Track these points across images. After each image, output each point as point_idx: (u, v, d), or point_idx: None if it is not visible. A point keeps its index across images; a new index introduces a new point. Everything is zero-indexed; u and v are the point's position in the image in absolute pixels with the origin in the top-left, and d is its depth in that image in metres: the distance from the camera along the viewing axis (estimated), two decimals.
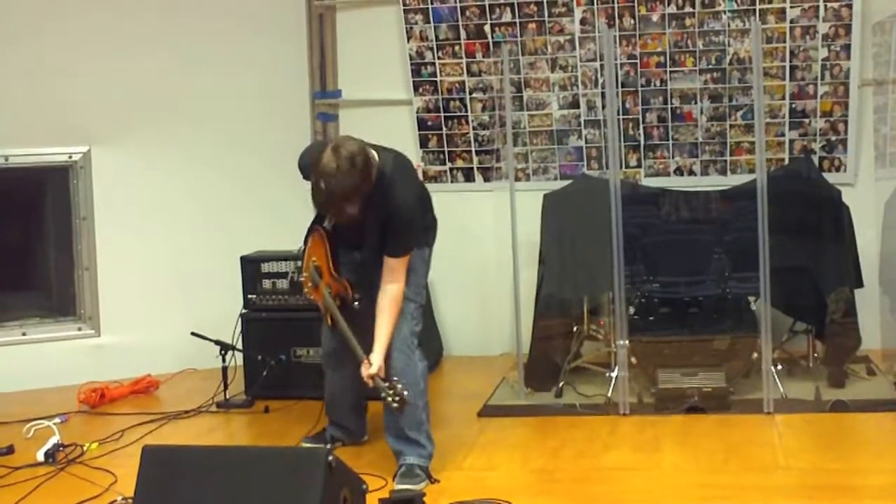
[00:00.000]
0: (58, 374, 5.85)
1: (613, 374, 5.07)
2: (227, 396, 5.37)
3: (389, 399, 3.93)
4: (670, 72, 5.96)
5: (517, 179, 5.90)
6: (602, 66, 5.88)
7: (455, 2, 6.11)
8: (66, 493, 4.15)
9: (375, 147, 4.09)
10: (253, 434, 4.95)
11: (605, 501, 3.94)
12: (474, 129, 6.29)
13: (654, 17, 5.92)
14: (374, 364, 4.00)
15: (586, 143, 6.16)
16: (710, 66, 5.90)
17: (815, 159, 5.86)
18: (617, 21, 5.94)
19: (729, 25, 5.84)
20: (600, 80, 6.00)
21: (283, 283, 5.40)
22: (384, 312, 4.10)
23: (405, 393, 3.93)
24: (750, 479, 4.04)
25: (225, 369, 5.35)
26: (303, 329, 5.18)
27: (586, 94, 6.10)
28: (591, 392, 5.17)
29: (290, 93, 6.40)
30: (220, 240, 6.08)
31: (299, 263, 4.46)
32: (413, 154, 6.31)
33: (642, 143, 6.08)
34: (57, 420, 5.00)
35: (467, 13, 6.13)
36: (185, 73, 6.09)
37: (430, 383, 5.56)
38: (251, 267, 5.52)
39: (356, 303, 4.22)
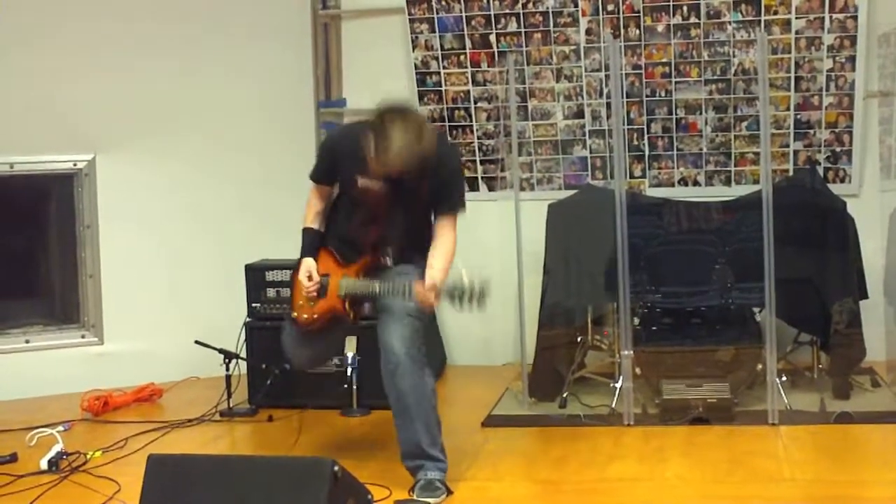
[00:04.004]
0: (61, 381, 5.84)
1: (618, 385, 5.06)
2: (231, 405, 5.36)
3: (468, 298, 3.92)
4: (675, 82, 5.97)
5: (522, 189, 5.90)
6: (607, 76, 5.89)
7: (460, 11, 6.12)
8: (70, 501, 4.15)
9: None
10: (256, 443, 4.95)
11: None
12: (479, 138, 6.30)
13: (660, 28, 5.93)
14: (431, 278, 4.00)
15: (591, 153, 6.17)
16: (716, 77, 5.91)
17: (820, 170, 5.86)
18: (622, 31, 5.95)
19: (734, 36, 5.85)
20: (605, 91, 6.00)
21: (287, 292, 5.36)
22: (441, 249, 4.15)
23: (476, 285, 3.94)
24: (755, 491, 4.03)
25: (228, 378, 5.34)
26: None
27: (591, 104, 6.11)
28: (596, 402, 5.16)
29: (294, 102, 6.41)
30: (225, 248, 6.08)
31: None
32: None
33: (647, 153, 6.08)
34: (60, 428, 5.00)
35: (473, 23, 6.13)
36: (190, 82, 6.09)
37: None
38: (255, 275, 5.52)
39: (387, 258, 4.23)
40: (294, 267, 4.37)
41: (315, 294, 4.25)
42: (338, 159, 4.27)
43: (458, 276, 3.97)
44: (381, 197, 4.15)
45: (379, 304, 4.23)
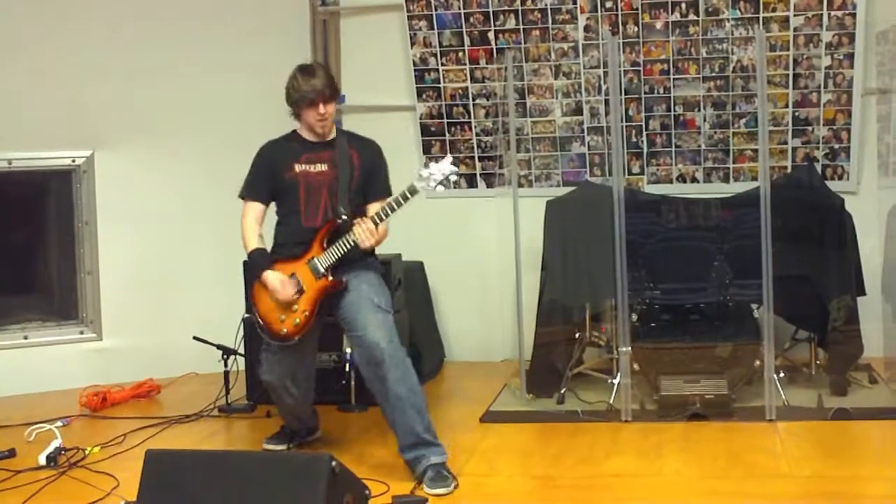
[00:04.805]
0: (60, 377, 5.85)
1: (616, 381, 5.06)
2: (229, 401, 5.37)
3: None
4: (674, 79, 5.97)
5: (520, 186, 5.90)
6: (605, 73, 5.89)
7: (459, 8, 6.13)
8: (68, 496, 4.15)
9: None
10: (255, 439, 4.94)
11: None
12: (477, 135, 6.30)
13: (658, 25, 5.93)
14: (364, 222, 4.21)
15: (589, 149, 6.17)
16: (714, 74, 5.91)
17: (818, 167, 5.87)
18: (621, 28, 5.95)
19: (732, 33, 5.85)
20: (604, 87, 6.01)
21: None
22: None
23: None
24: (752, 487, 4.03)
25: (227, 374, 5.35)
26: None
27: (589, 101, 6.11)
28: (594, 399, 5.17)
29: None
30: (222, 244, 6.05)
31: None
32: (416, 160, 6.32)
33: (645, 150, 6.09)
34: (59, 423, 5.01)
35: (471, 19, 6.14)
36: (188, 79, 6.10)
37: (432, 389, 5.61)
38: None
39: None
40: (250, 292, 4.46)
41: (296, 296, 4.27)
42: (271, 164, 4.42)
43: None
44: (320, 175, 4.34)
45: (343, 307, 4.28)
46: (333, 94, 4.38)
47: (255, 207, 4.44)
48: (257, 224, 4.43)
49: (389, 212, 4.18)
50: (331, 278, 4.28)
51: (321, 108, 4.33)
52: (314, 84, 4.32)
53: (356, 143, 4.48)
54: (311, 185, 4.35)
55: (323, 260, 4.27)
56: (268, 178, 4.43)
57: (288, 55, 6.40)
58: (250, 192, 4.47)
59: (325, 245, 4.29)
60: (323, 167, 4.37)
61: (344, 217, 4.29)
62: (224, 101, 6.16)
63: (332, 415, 5.20)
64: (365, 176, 4.40)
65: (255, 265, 4.40)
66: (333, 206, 4.33)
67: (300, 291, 4.28)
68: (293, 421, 4.71)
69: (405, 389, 4.14)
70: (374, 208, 4.35)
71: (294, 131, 4.49)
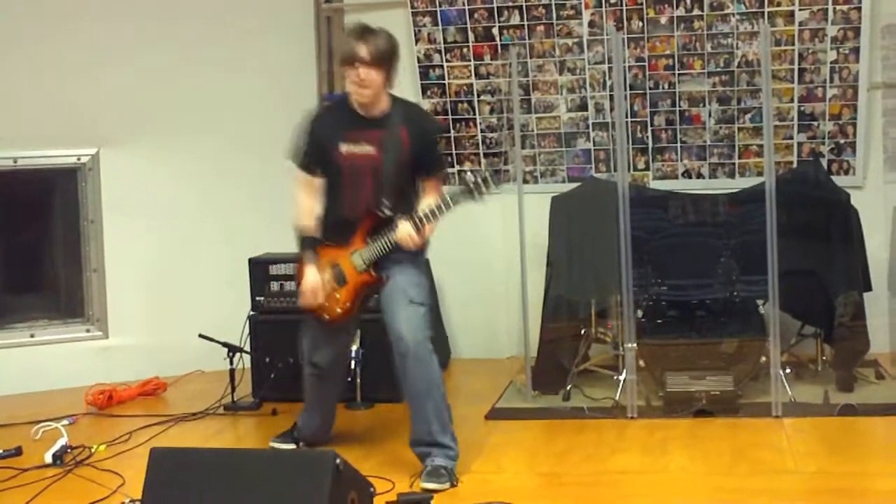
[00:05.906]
0: (66, 375, 5.86)
1: (621, 378, 5.06)
2: (235, 399, 5.38)
3: (479, 187, 4.06)
4: (679, 74, 5.96)
5: (525, 182, 5.88)
6: (610, 68, 5.88)
7: (463, 4, 6.12)
8: (74, 494, 4.16)
9: None
10: (261, 436, 4.95)
11: None
12: (482, 131, 6.29)
13: (663, 20, 5.92)
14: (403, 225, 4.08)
15: (594, 145, 6.16)
16: (719, 69, 5.90)
17: (824, 162, 5.85)
18: (625, 24, 5.94)
19: (737, 28, 5.83)
20: (608, 83, 6.00)
21: (291, 286, 5.38)
22: (428, 199, 4.18)
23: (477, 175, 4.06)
24: (758, 483, 4.03)
25: (232, 371, 5.36)
26: None
27: (594, 97, 6.10)
28: (599, 395, 5.17)
29: (298, 95, 6.38)
30: (228, 242, 6.08)
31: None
32: None
33: (650, 145, 6.08)
34: (65, 422, 5.00)
35: (475, 16, 6.13)
36: (193, 76, 6.10)
37: None
38: (259, 269, 5.53)
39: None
40: (297, 264, 4.38)
41: (336, 286, 4.24)
42: (320, 139, 4.25)
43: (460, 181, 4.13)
44: (366, 159, 4.16)
45: (381, 295, 4.25)
46: (379, 62, 4.07)
47: (307, 181, 4.28)
48: (309, 197, 4.27)
49: (436, 215, 4.07)
50: (373, 274, 4.20)
51: (358, 71, 4.07)
52: (360, 44, 4.06)
53: (410, 115, 4.23)
54: (356, 169, 4.16)
55: (365, 255, 4.19)
56: (317, 151, 4.25)
57: (292, 52, 6.46)
58: (301, 160, 4.29)
59: (367, 238, 4.18)
60: (369, 149, 4.15)
61: (387, 211, 4.14)
62: (229, 98, 6.16)
63: (338, 412, 5.18)
64: (415, 154, 4.17)
65: (301, 254, 4.31)
66: (377, 197, 4.15)
67: (342, 282, 4.24)
68: (311, 418, 4.65)
69: (424, 387, 4.14)
70: (428, 187, 4.21)
71: (346, 97, 4.26)
